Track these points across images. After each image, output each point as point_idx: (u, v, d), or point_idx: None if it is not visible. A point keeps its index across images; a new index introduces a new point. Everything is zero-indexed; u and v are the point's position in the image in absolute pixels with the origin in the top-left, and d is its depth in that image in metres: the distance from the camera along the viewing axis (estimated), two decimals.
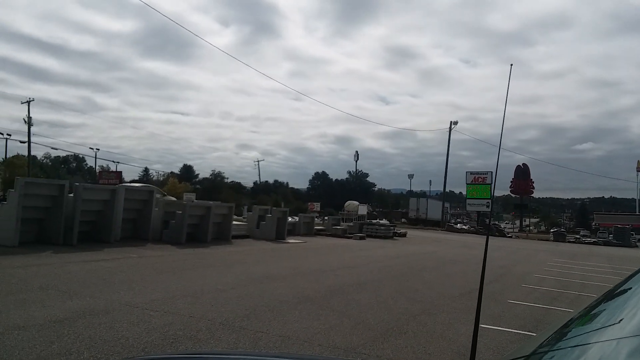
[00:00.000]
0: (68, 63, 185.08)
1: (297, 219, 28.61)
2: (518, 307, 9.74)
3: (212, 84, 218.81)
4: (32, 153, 61.27)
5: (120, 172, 68.81)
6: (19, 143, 60.66)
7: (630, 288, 1.34)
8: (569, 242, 51.28)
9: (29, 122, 57.77)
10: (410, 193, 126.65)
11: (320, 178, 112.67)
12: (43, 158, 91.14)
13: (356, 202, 53.64)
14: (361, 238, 28.90)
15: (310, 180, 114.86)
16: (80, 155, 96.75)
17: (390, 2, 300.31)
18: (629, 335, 1.03)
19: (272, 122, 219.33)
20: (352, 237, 28.83)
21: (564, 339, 1.26)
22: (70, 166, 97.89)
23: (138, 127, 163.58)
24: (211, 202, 20.73)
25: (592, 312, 1.34)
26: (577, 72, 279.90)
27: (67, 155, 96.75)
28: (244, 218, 27.76)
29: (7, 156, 62.48)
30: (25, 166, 56.20)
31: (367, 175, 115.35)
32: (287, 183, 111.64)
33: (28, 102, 58.67)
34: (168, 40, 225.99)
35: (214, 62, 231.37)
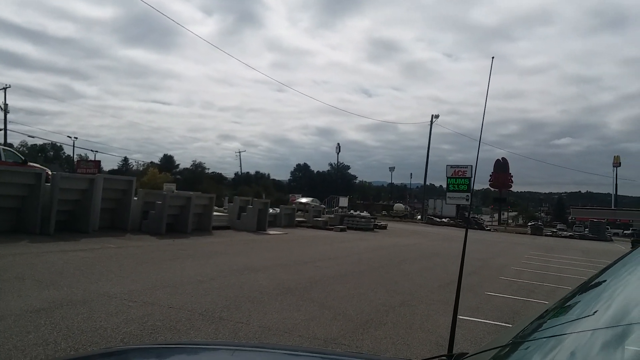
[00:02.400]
0: (46, 49, 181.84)
1: (278, 210, 28.57)
2: (496, 299, 9.89)
3: (194, 74, 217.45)
4: (9, 141, 60.13)
5: (99, 161, 67.83)
6: None
7: (605, 280, 1.36)
8: (546, 235, 52.16)
9: (5, 109, 56.66)
10: (391, 186, 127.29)
11: (302, 170, 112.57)
12: (20, 146, 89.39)
13: (402, 205, 67.24)
14: (342, 230, 29.00)
15: (292, 172, 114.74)
16: (58, 144, 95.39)
17: None
18: (603, 326, 1.06)
19: (254, 112, 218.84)
20: (333, 229, 28.91)
21: (540, 329, 1.28)
22: (48, 155, 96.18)
23: (118, 116, 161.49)
24: (191, 193, 20.57)
25: (567, 304, 1.37)
26: (558, 67, 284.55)
27: (45, 144, 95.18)
28: (224, 209, 27.62)
29: None
30: None
31: (348, 167, 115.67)
32: (269, 174, 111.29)
33: (4, 89, 57.54)
34: (150, 28, 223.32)
35: (196, 51, 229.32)
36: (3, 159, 21.42)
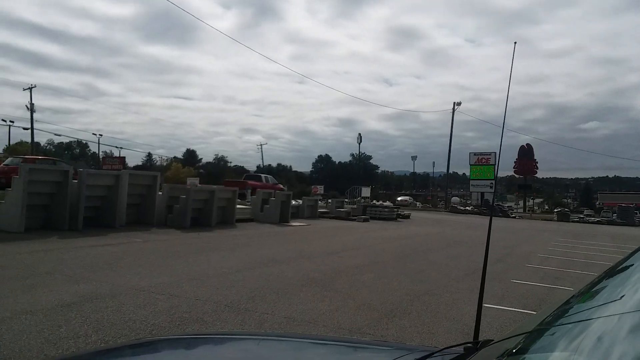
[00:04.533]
0: (70, 49, 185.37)
1: (300, 202, 28.67)
2: (522, 286, 9.78)
3: (215, 68, 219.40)
4: (36, 140, 61.48)
5: (124, 157, 68.54)
6: (22, 130, 61.02)
7: (632, 265, 1.34)
8: (573, 221, 51.23)
9: (31, 108, 57.89)
10: (414, 175, 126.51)
11: (323, 161, 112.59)
12: (46, 144, 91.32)
13: (458, 198, 73.31)
14: (365, 220, 28.96)
15: (313, 164, 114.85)
16: (84, 141, 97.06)
17: None
18: (630, 310, 1.04)
19: (275, 105, 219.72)
20: (355, 219, 28.89)
21: (566, 315, 1.27)
22: (74, 152, 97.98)
23: (141, 113, 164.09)
24: (215, 186, 20.77)
25: (593, 289, 1.35)
26: (583, 50, 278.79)
27: (71, 142, 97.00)
28: (247, 202, 27.82)
29: (11, 143, 62.61)
30: (29, 153, 56.32)
31: (370, 157, 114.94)
32: (291, 166, 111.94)
33: (30, 89, 58.74)
34: (170, 24, 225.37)
35: (216, 46, 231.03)
36: (270, 182, 36.47)
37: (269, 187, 35.06)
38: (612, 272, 1.40)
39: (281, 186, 39.36)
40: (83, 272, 8.25)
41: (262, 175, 41.38)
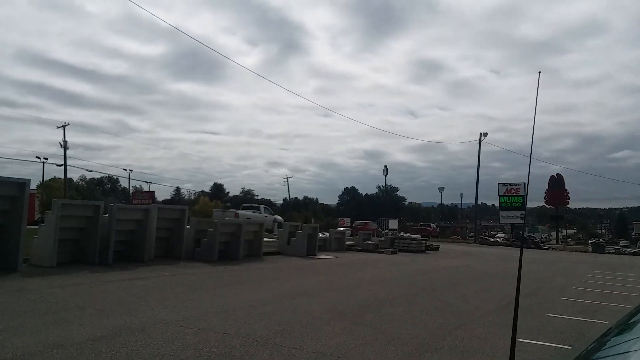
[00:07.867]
0: (101, 87, 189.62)
1: (327, 234, 28.56)
2: (557, 320, 9.48)
3: (242, 103, 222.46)
4: (68, 176, 62.91)
5: (153, 192, 69.87)
6: (55, 166, 62.53)
7: None
8: (609, 253, 49.62)
9: (64, 146, 59.54)
10: (442, 206, 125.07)
11: (349, 193, 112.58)
12: (79, 180, 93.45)
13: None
14: (393, 252, 28.63)
15: (339, 196, 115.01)
16: (114, 177, 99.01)
17: (418, 15, 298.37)
18: None
19: (301, 139, 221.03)
20: (383, 251, 28.59)
21: (603, 348, 1.23)
22: (105, 187, 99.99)
23: (169, 148, 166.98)
24: (242, 220, 20.88)
25: (630, 321, 1.31)
26: (611, 78, 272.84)
27: (102, 177, 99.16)
28: (274, 234, 27.86)
29: (44, 179, 64.38)
30: (62, 188, 57.76)
31: (397, 189, 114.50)
32: (317, 199, 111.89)
33: (64, 127, 60.49)
34: (198, 62, 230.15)
35: (242, 82, 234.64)
36: (434, 227, 58.79)
37: (432, 231, 60.91)
38: None
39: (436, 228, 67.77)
40: (113, 306, 8.33)
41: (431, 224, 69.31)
